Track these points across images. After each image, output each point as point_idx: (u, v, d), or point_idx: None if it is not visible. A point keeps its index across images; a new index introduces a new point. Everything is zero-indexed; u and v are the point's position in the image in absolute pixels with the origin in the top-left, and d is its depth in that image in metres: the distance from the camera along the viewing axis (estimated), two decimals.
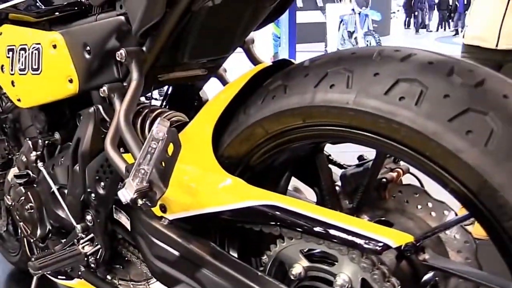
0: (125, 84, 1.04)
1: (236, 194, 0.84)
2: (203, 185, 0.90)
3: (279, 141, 0.85)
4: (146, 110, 1.19)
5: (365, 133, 0.72)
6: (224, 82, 1.28)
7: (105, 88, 1.02)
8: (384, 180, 0.92)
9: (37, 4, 1.19)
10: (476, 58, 2.55)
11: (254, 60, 1.22)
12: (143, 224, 1.01)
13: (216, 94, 0.98)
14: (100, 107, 1.11)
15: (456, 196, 0.67)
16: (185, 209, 0.91)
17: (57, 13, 1.17)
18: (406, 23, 20.80)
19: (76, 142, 1.15)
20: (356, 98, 0.71)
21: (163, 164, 0.80)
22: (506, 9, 2.36)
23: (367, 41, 7.88)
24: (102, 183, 1.08)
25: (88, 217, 1.16)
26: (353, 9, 8.05)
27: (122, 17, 0.99)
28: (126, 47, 0.97)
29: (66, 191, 1.25)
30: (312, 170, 1.01)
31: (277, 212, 0.78)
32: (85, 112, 1.14)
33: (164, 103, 1.33)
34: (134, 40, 0.97)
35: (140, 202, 0.80)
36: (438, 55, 0.72)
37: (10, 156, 1.60)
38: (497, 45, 2.41)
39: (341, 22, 8.34)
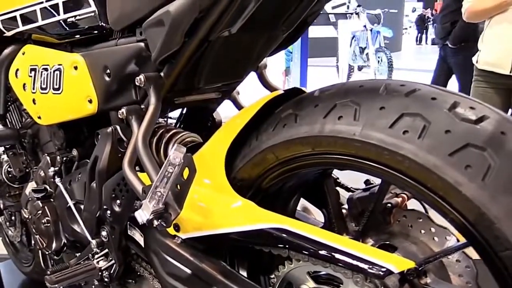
0: (142, 106, 1.09)
1: (248, 217, 0.88)
2: (216, 207, 0.94)
3: (289, 166, 0.89)
4: (162, 130, 1.24)
5: (371, 163, 0.76)
6: (237, 104, 1.32)
7: (123, 110, 1.07)
8: (389, 205, 0.96)
9: (60, 26, 1.24)
10: (489, 82, 2.60)
11: (267, 85, 1.27)
12: (157, 242, 1.05)
13: (230, 119, 1.02)
14: (118, 127, 1.16)
15: (455, 225, 0.71)
16: (198, 229, 0.95)
17: (78, 36, 1.23)
18: (418, 39, 20.87)
19: (93, 160, 1.20)
20: (362, 130, 0.75)
21: (179, 187, 0.85)
22: None
23: (379, 57, 7.93)
24: (118, 201, 1.13)
25: (103, 233, 1.20)
26: (364, 26, 8.11)
27: (142, 44, 1.04)
28: (145, 73, 1.02)
29: (82, 206, 1.29)
30: (320, 193, 1.05)
31: (286, 236, 0.82)
32: (103, 131, 1.19)
33: (178, 123, 1.38)
34: (153, 65, 1.02)
35: (156, 222, 0.84)
36: (441, 90, 0.76)
37: (27, 170, 1.65)
38: (511, 71, 2.46)
39: (353, 38, 8.40)
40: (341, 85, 0.86)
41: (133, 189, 0.95)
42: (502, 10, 2.53)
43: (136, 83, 1.01)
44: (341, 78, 8.30)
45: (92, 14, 1.17)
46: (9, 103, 1.59)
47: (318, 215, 1.16)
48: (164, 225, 0.85)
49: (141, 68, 1.06)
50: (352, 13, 8.77)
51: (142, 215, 0.85)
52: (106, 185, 1.15)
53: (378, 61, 7.93)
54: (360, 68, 9.23)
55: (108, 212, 1.16)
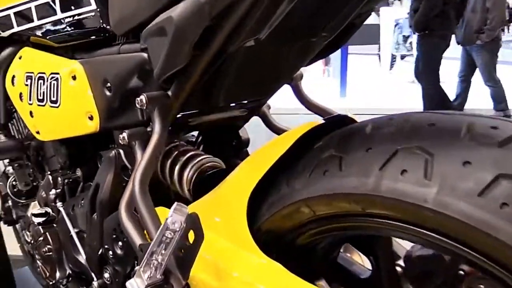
0: (149, 129, 0.89)
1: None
2: (233, 266, 0.73)
3: (330, 226, 0.67)
4: (176, 153, 1.03)
5: (447, 241, 0.54)
6: (267, 121, 1.10)
7: (124, 134, 0.87)
8: (461, 272, 0.73)
9: (57, 27, 1.05)
10: None
11: (303, 99, 1.04)
12: None
13: (256, 151, 0.81)
14: (122, 151, 0.96)
15: None
16: None
17: (78, 39, 1.03)
18: None
19: (95, 188, 1.01)
20: (438, 196, 0.52)
21: (183, 252, 0.64)
22: None
23: None
24: (120, 243, 0.93)
25: (106, 275, 1.01)
26: (408, 13, 7.68)
27: (145, 54, 0.84)
28: (149, 91, 0.81)
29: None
30: (369, 238, 0.83)
31: None
32: (106, 155, 0.99)
33: (197, 143, 1.17)
34: (157, 83, 0.82)
35: None
36: None
37: (34, 184, 1.48)
38: None
39: (396, 26, 7.98)
40: (403, 120, 0.62)
41: (130, 243, 0.75)
42: None
43: (137, 105, 0.80)
44: (383, 67, 7.93)
45: (93, 14, 0.98)
46: (13, 111, 1.42)
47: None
48: None
49: (145, 84, 0.86)
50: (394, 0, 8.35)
51: (135, 286, 0.65)
52: (107, 222, 0.96)
53: None
54: (402, 57, 8.82)
55: (110, 253, 0.97)
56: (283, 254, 0.74)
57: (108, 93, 0.93)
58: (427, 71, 4.82)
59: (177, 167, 1.02)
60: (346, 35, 0.90)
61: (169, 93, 0.81)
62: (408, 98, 5.26)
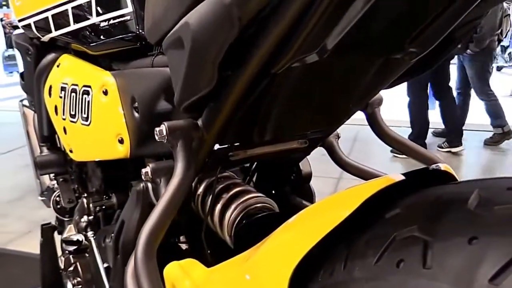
0: None
1: None
2: None
3: None
4: (220, 186, 0.85)
5: None
6: (334, 155, 0.89)
7: (148, 169, 0.70)
8: None
9: (93, 32, 0.91)
10: None
11: (380, 131, 0.82)
12: None
13: (315, 206, 0.59)
14: (150, 186, 0.79)
15: None
16: None
17: (114, 47, 0.88)
18: None
19: (120, 225, 0.85)
20: None
21: None
22: None
23: None
24: None
25: None
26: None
27: None
28: (175, 117, 0.63)
29: None
30: None
31: None
32: (135, 187, 0.83)
33: (250, 171, 0.98)
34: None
35: None
36: None
37: (79, 201, 1.36)
38: None
39: None
40: None
41: None
42: None
43: (156, 137, 0.62)
44: None
45: (129, 17, 0.82)
46: None
47: None
48: None
49: (174, 107, 0.68)
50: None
51: None
52: None
53: None
54: (499, 69, 8.18)
55: None
56: None
57: (136, 114, 0.77)
58: None
59: (218, 206, 0.83)
60: (442, 51, 0.67)
61: (199, 122, 0.62)
62: (506, 114, 4.74)
